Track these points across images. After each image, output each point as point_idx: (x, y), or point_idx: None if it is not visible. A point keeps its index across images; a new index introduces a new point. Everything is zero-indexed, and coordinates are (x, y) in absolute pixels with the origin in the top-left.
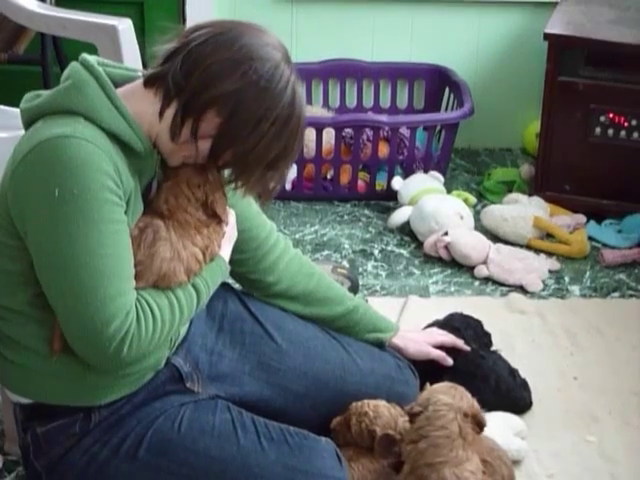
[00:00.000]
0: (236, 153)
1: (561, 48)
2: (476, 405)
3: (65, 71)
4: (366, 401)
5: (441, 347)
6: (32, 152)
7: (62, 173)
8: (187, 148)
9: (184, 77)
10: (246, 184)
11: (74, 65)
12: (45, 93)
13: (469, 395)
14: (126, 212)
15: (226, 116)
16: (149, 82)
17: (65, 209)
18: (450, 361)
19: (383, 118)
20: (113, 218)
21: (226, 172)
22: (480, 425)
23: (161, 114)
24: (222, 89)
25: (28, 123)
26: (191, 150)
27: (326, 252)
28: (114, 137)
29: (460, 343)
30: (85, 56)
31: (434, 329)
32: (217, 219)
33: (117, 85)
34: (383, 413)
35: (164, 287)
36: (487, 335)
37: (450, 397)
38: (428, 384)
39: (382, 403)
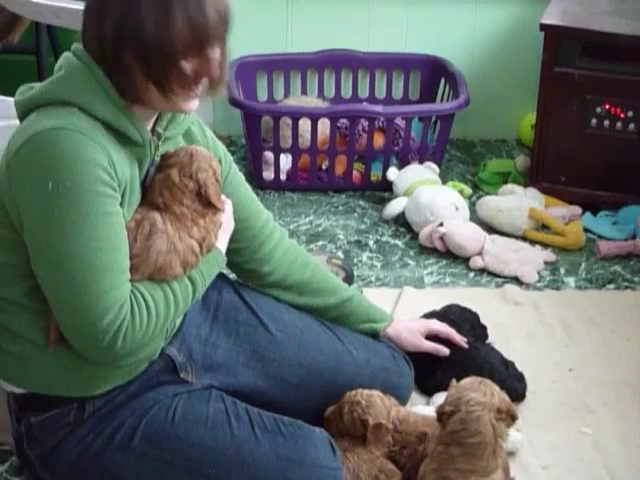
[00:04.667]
0: (159, 58)
1: (557, 39)
2: (507, 398)
3: (58, 62)
4: (360, 390)
5: (436, 336)
6: (25, 145)
7: (55, 166)
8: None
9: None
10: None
11: (67, 55)
12: (39, 85)
13: (497, 388)
14: (122, 203)
15: (129, 44)
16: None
17: (58, 202)
18: (445, 351)
19: (378, 109)
20: (106, 211)
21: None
22: (513, 417)
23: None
24: (105, 29)
25: (23, 115)
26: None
27: (321, 243)
28: (109, 127)
29: (455, 336)
30: (77, 46)
31: (432, 320)
32: (213, 208)
33: None
34: (376, 402)
35: (160, 279)
36: (483, 328)
37: (481, 394)
38: (454, 380)
39: (376, 393)
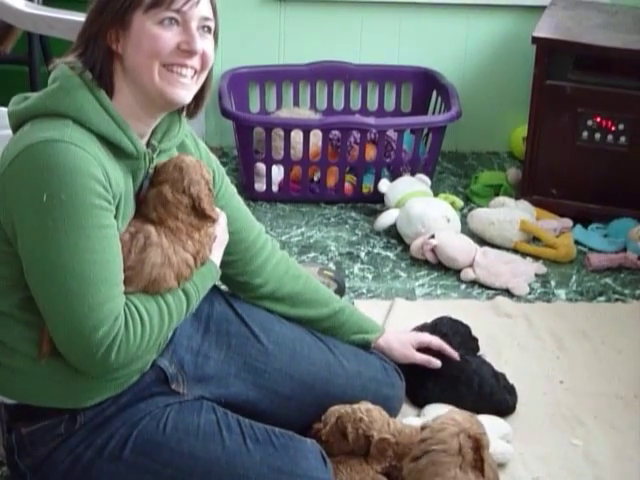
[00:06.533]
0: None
1: (549, 52)
2: (486, 437)
3: (52, 73)
4: (355, 406)
5: (428, 349)
6: (19, 157)
7: (50, 178)
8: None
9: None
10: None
11: (61, 67)
12: (33, 95)
13: (484, 426)
14: (116, 216)
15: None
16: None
17: (52, 214)
18: (437, 363)
19: (370, 121)
20: (101, 223)
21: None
22: (480, 458)
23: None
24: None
25: (16, 126)
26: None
27: (312, 254)
28: (103, 139)
29: (447, 348)
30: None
31: (423, 332)
32: (208, 219)
33: None
34: (377, 417)
35: (154, 292)
36: (474, 340)
37: (461, 418)
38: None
39: (372, 407)
